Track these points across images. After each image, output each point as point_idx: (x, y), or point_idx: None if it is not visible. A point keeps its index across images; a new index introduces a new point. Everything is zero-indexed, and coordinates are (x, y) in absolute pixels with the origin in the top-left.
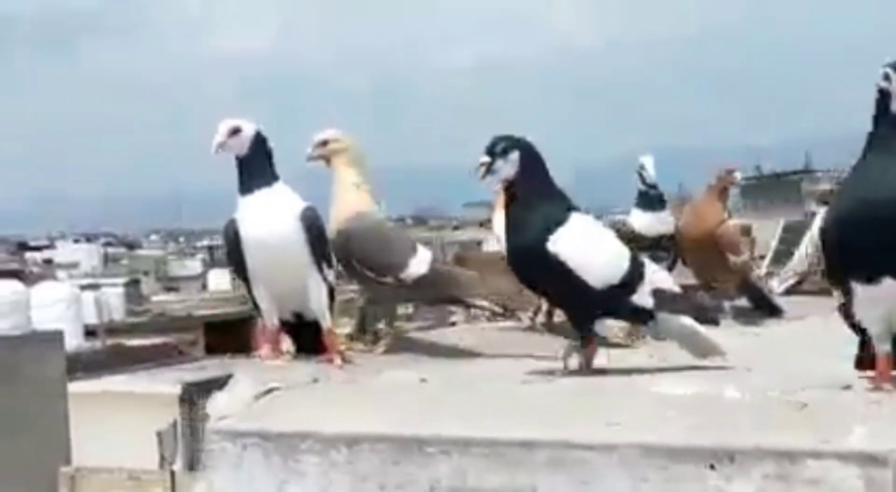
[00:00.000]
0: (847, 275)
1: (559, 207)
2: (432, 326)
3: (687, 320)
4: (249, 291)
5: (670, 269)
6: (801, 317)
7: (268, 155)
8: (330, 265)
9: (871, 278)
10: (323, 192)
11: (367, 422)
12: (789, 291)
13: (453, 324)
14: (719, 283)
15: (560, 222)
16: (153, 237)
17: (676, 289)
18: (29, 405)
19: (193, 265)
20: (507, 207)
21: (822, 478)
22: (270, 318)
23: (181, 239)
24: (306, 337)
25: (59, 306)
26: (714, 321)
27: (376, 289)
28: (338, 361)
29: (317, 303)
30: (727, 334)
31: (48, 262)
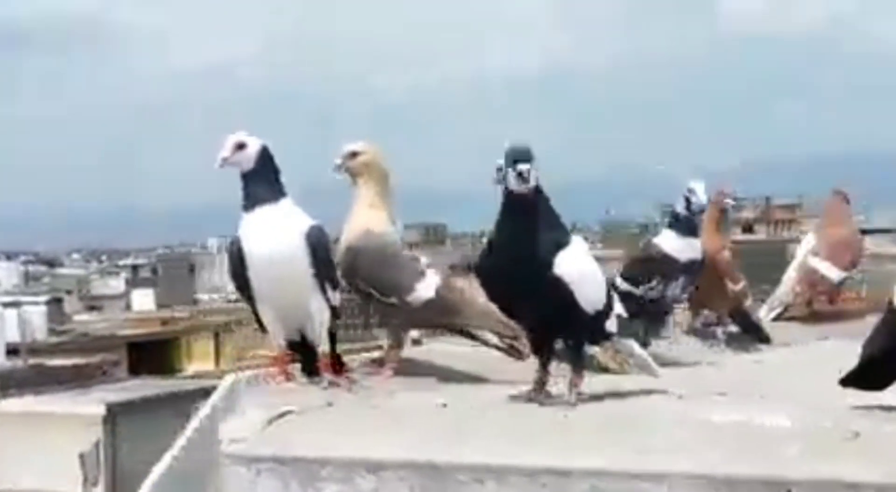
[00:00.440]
0: None
1: (563, 227)
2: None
3: (629, 342)
4: (254, 310)
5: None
6: (786, 343)
7: (274, 171)
8: (334, 287)
9: None
10: (326, 209)
11: (391, 447)
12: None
13: (418, 342)
14: (713, 309)
15: (565, 244)
16: (75, 256)
17: (624, 313)
18: None
19: (117, 284)
20: (507, 218)
21: None
22: (277, 338)
23: (104, 258)
24: (307, 358)
25: None
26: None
27: (381, 310)
28: (325, 383)
29: (317, 325)
30: (728, 360)
31: None
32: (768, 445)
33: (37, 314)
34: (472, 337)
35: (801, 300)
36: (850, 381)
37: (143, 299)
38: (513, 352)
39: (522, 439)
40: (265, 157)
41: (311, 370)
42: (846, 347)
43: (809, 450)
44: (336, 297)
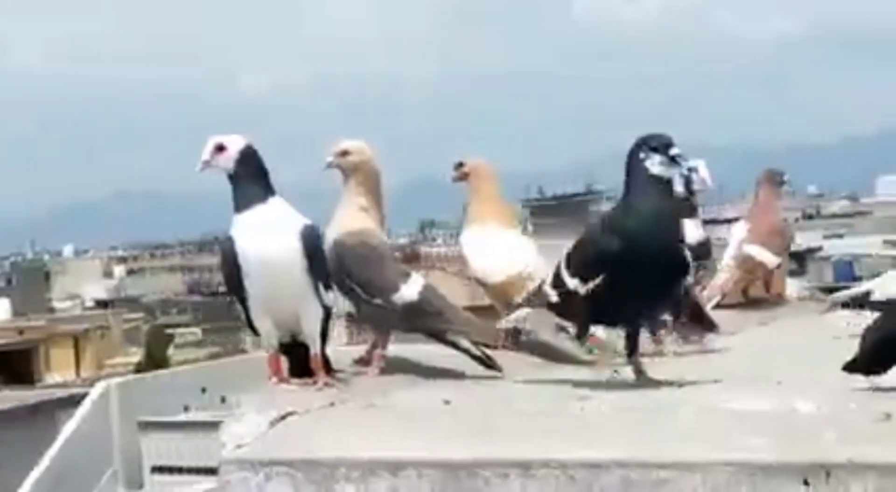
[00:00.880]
0: None
1: None
2: None
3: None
4: (246, 312)
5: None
6: (731, 331)
7: (260, 170)
8: (328, 287)
9: None
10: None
11: (409, 446)
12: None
13: None
14: None
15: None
16: None
17: None
18: None
19: None
20: (656, 200)
21: None
22: (270, 340)
23: None
24: (298, 359)
25: None
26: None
27: (365, 309)
28: (320, 383)
29: (310, 325)
30: (686, 349)
31: None
32: (803, 430)
33: None
34: (449, 343)
35: (738, 287)
36: (855, 366)
37: None
38: (486, 362)
39: (545, 432)
40: (248, 157)
41: (303, 371)
42: (800, 331)
43: (844, 434)
44: (329, 297)
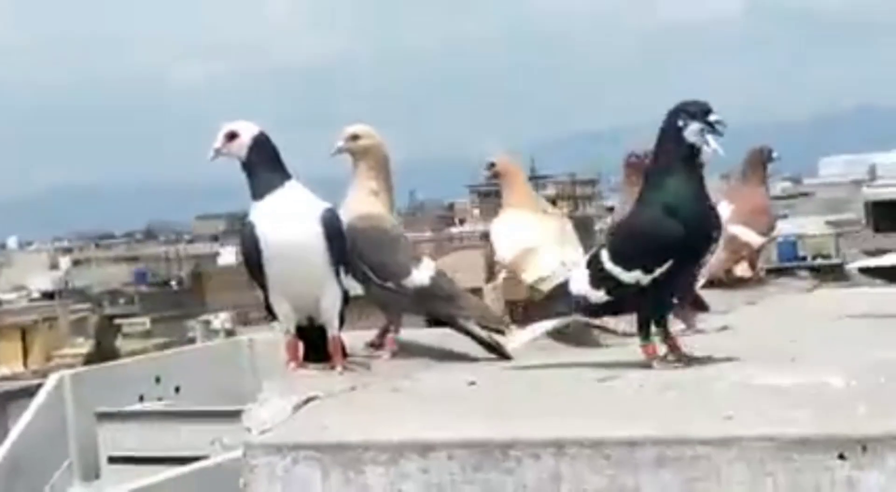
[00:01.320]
0: None
1: None
2: None
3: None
4: (266, 297)
5: None
6: (725, 311)
7: (274, 156)
8: (347, 270)
9: None
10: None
11: (437, 427)
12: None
13: None
14: None
15: None
16: None
17: None
18: None
19: None
20: (694, 173)
21: None
22: (289, 325)
23: None
24: (314, 343)
25: None
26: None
27: (377, 293)
28: (339, 367)
29: (329, 308)
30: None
31: None
32: (836, 404)
33: None
34: (460, 328)
35: (724, 267)
36: None
37: None
38: (496, 348)
39: (575, 411)
40: (260, 143)
41: (320, 356)
42: (792, 310)
43: (877, 407)
44: (347, 281)
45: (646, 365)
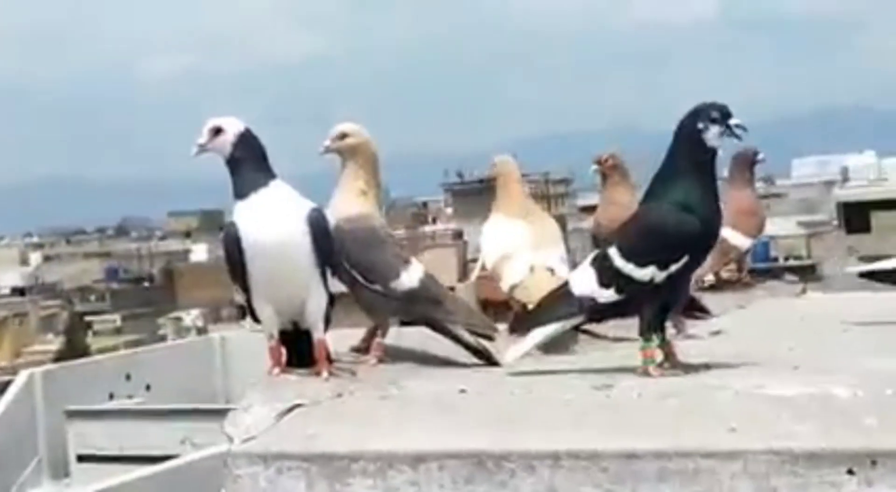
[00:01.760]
0: None
1: None
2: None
3: None
4: (249, 301)
5: None
6: (714, 315)
7: (259, 153)
8: (333, 272)
9: None
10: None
11: (428, 437)
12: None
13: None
14: None
15: None
16: None
17: None
18: None
19: None
20: (708, 175)
21: None
22: (272, 329)
23: None
24: (298, 347)
25: None
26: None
27: (364, 296)
28: (324, 373)
29: (315, 312)
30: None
31: None
32: (844, 417)
33: None
34: (447, 333)
35: (713, 270)
36: None
37: None
38: (485, 354)
39: (572, 421)
40: (246, 140)
41: (304, 361)
42: (786, 315)
43: (886, 420)
44: (333, 284)
45: (643, 371)
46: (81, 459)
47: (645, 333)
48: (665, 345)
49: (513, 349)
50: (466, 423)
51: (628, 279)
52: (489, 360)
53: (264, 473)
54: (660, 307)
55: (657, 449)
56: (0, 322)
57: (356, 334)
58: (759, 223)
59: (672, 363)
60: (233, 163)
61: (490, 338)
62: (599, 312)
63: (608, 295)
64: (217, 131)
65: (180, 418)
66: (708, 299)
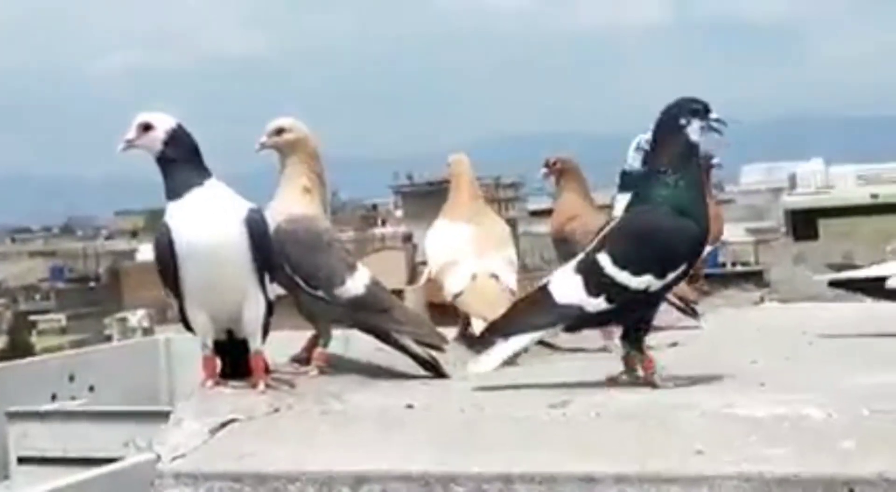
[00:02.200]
0: None
1: None
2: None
3: None
4: (182, 308)
5: None
6: (668, 325)
7: (193, 151)
8: (273, 278)
9: None
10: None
11: (372, 457)
12: None
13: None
14: None
15: None
16: None
17: None
18: None
19: None
20: (696, 172)
21: None
22: (206, 338)
23: None
24: (233, 358)
25: None
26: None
27: (306, 302)
28: (261, 386)
29: (252, 320)
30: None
31: None
32: (817, 439)
33: None
34: (394, 342)
35: None
36: None
37: None
38: (433, 366)
39: (526, 441)
40: (177, 137)
41: (240, 372)
42: (745, 325)
43: (863, 444)
44: (273, 290)
45: (612, 382)
46: (22, 461)
47: (625, 342)
48: (643, 355)
49: (482, 360)
50: (413, 441)
51: (622, 288)
52: (438, 372)
53: None
54: (648, 316)
55: (618, 473)
56: None
57: (298, 338)
58: (719, 229)
59: (646, 378)
60: (164, 161)
61: (440, 349)
62: (584, 322)
63: (597, 304)
64: (146, 127)
65: (124, 419)
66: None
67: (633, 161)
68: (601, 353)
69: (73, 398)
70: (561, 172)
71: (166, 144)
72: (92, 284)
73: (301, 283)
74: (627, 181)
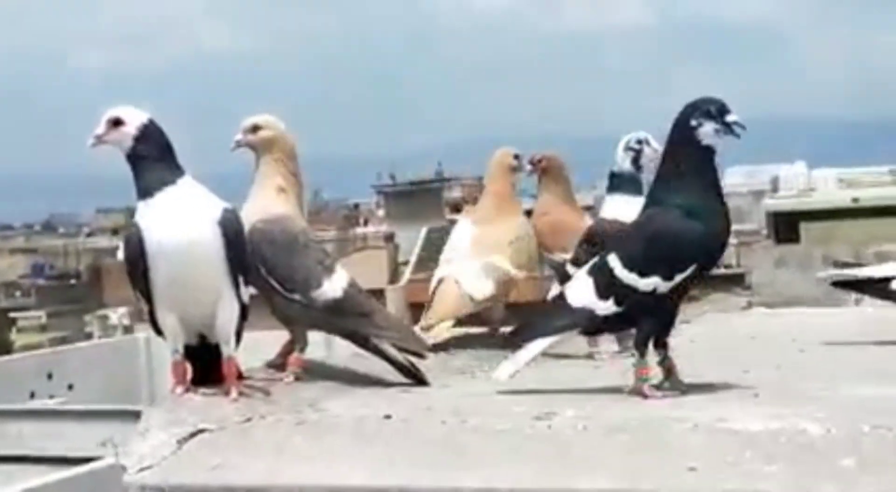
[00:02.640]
0: None
1: None
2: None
3: None
4: (152, 311)
5: None
6: None
7: (165, 148)
8: (247, 281)
9: None
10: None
11: (348, 470)
12: None
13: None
14: None
15: None
16: None
17: None
18: None
19: None
20: (713, 174)
21: None
22: (176, 344)
23: None
24: (204, 363)
25: None
26: None
27: (282, 306)
28: (234, 393)
29: (225, 325)
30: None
31: None
32: (816, 456)
33: None
34: (372, 348)
35: None
36: None
37: None
38: (412, 372)
39: (510, 455)
40: (148, 133)
41: (211, 379)
42: (734, 331)
43: (865, 461)
44: (247, 293)
45: (636, 390)
46: (0, 460)
47: (640, 347)
48: (666, 362)
49: (506, 365)
50: (391, 454)
51: (629, 290)
52: (419, 379)
53: None
54: (662, 320)
55: (606, 489)
56: None
57: (272, 340)
58: None
59: (672, 384)
60: (134, 158)
61: (421, 356)
62: (597, 325)
63: (606, 307)
64: (116, 123)
65: (102, 419)
66: None
67: (623, 162)
68: (587, 360)
69: (51, 397)
70: (544, 170)
71: (137, 140)
72: (73, 281)
73: (276, 285)
74: (616, 183)
